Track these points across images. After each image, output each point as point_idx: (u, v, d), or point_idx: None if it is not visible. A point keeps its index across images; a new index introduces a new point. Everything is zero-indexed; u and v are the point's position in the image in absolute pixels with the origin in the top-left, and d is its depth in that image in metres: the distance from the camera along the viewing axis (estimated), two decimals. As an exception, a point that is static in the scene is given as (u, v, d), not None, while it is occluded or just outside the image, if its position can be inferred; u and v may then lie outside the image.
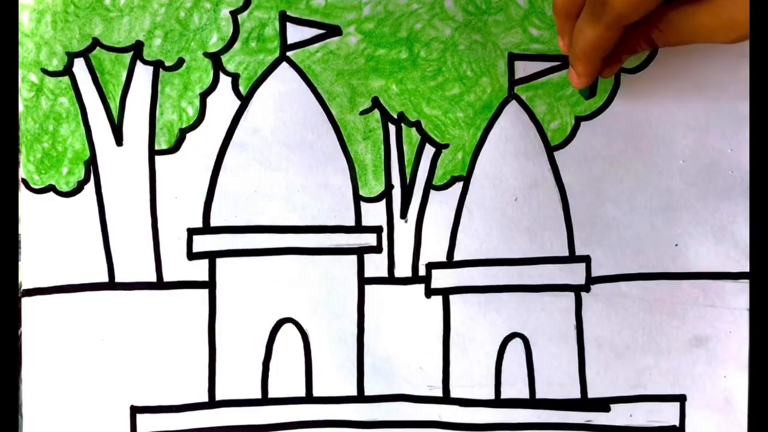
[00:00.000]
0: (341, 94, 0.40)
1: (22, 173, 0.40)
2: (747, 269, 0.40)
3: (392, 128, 0.40)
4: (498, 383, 0.41)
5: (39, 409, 0.40)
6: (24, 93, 0.40)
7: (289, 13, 0.40)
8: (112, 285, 0.40)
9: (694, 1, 0.32)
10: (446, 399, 0.41)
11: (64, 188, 0.40)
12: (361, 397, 0.41)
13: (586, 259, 0.41)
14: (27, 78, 0.39)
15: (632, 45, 0.36)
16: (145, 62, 0.40)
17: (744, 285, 0.40)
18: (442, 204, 0.41)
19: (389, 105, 0.40)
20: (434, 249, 0.41)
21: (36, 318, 0.40)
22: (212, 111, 0.40)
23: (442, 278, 0.41)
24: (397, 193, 0.41)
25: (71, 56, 0.40)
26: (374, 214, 0.41)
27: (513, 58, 0.40)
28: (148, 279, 0.40)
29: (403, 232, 0.41)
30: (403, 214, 0.41)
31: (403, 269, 0.41)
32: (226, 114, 0.40)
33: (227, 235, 0.40)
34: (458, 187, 0.41)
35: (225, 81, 0.40)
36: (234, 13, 0.40)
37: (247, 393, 0.41)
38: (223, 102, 0.40)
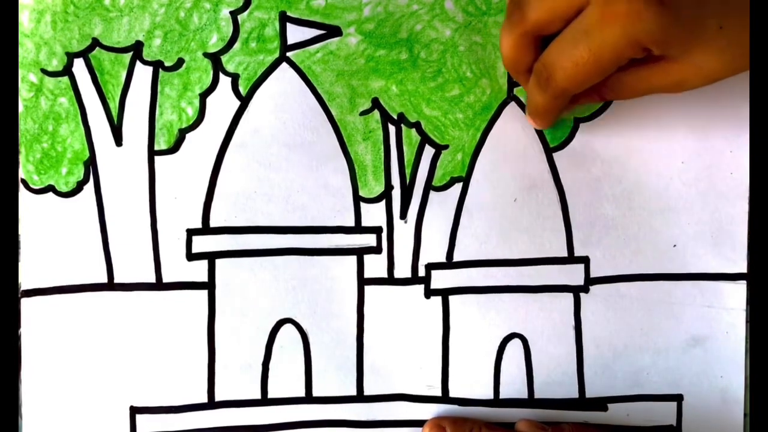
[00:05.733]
0: (341, 94, 0.40)
1: (21, 173, 0.40)
2: (745, 270, 0.41)
3: (392, 129, 0.40)
4: (497, 383, 0.41)
5: (38, 410, 0.40)
6: (23, 93, 0.39)
7: (289, 13, 0.40)
8: (111, 286, 0.40)
9: (643, 64, 0.33)
10: (445, 399, 0.41)
11: (64, 188, 0.40)
12: (360, 397, 0.41)
13: (585, 260, 0.41)
14: (26, 78, 0.39)
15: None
16: (145, 62, 0.40)
17: (742, 286, 0.41)
18: (441, 205, 0.41)
19: (389, 106, 0.40)
20: (434, 250, 0.41)
21: (35, 319, 0.40)
22: (212, 111, 0.40)
23: (441, 279, 0.41)
24: (396, 194, 0.41)
25: (71, 56, 0.39)
26: (374, 214, 0.41)
27: (512, 59, 0.40)
28: (148, 280, 0.40)
29: (403, 232, 0.41)
30: (403, 215, 0.41)
31: (402, 270, 0.41)
32: (225, 114, 0.40)
33: (227, 235, 0.40)
34: (458, 187, 0.41)
35: (225, 81, 0.40)
36: (234, 14, 0.40)
37: (246, 393, 0.41)
38: (222, 102, 0.40)
